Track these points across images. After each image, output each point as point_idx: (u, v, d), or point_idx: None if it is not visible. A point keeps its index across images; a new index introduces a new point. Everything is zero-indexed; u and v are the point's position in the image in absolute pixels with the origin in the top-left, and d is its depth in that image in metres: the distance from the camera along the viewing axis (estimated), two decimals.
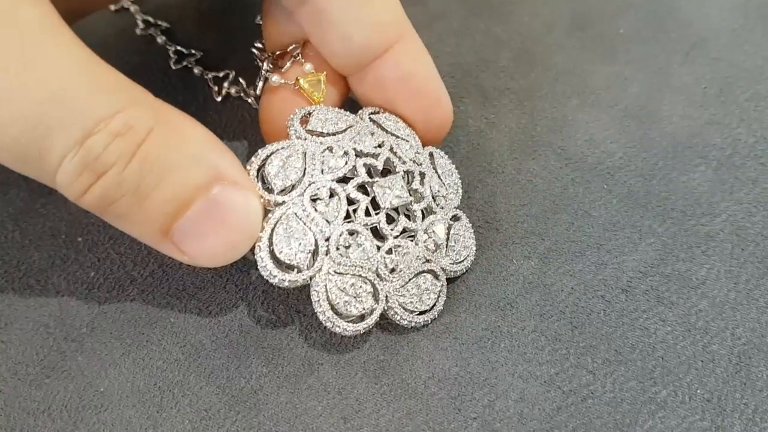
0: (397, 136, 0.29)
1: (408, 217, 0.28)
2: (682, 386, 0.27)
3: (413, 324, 0.28)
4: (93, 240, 0.31)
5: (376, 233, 0.28)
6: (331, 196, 0.27)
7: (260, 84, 0.31)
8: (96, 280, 0.30)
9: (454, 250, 0.29)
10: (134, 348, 0.28)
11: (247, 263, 0.30)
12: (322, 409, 0.27)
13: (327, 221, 0.26)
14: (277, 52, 0.31)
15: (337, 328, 0.27)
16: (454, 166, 0.31)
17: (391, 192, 0.28)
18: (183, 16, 0.37)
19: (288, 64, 0.30)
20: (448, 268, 0.29)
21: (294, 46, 0.30)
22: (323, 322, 0.27)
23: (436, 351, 0.28)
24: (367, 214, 0.27)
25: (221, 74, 0.35)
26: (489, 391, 0.27)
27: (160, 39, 0.36)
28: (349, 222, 0.27)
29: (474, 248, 0.30)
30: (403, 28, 0.29)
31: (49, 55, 0.23)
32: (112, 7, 0.37)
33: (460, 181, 0.30)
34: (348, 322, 0.27)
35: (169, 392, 0.28)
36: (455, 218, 0.30)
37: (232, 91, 0.34)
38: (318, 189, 0.27)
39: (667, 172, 0.32)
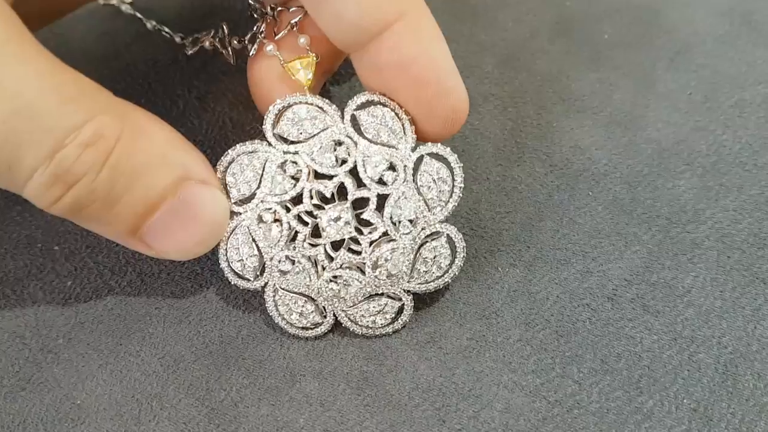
0: (376, 143, 0.27)
1: (352, 248, 0.28)
2: (669, 396, 0.27)
3: (373, 334, 0.28)
4: (70, 248, 0.30)
5: (315, 262, 0.28)
6: (275, 219, 0.27)
7: (254, 46, 0.29)
8: (73, 289, 0.29)
9: (420, 272, 0.28)
10: (112, 359, 0.28)
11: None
12: (304, 422, 0.27)
13: (269, 244, 0.27)
14: (278, 9, 0.29)
15: (290, 331, 0.28)
16: (453, 168, 0.28)
17: (334, 224, 0.27)
18: (168, 15, 0.37)
19: (284, 31, 0.28)
20: (415, 289, 0.28)
21: (294, 9, 0.28)
22: (278, 324, 0.28)
23: (420, 361, 0.28)
24: (317, 238, 0.27)
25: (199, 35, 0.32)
26: (474, 402, 0.27)
27: (150, 25, 0.34)
28: (290, 248, 0.27)
29: (457, 263, 0.28)
30: (407, 3, 0.26)
31: (12, 67, 0.22)
32: (101, 1, 0.36)
33: (456, 185, 0.28)
34: (299, 328, 0.28)
35: (148, 405, 0.27)
36: (432, 236, 0.28)
37: (206, 44, 0.31)
38: (263, 211, 0.27)
39: (652, 179, 0.32)
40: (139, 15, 0.35)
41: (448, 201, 0.28)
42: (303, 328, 0.28)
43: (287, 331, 0.28)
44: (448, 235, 0.28)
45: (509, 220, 0.31)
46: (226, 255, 0.27)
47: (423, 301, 0.29)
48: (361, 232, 0.27)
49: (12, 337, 0.28)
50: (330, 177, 0.27)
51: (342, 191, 0.27)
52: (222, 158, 0.27)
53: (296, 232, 0.27)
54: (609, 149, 0.33)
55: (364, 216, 0.27)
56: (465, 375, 0.27)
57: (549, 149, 0.33)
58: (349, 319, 0.28)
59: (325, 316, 0.28)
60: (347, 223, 0.27)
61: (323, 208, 0.27)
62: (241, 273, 0.27)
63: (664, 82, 0.35)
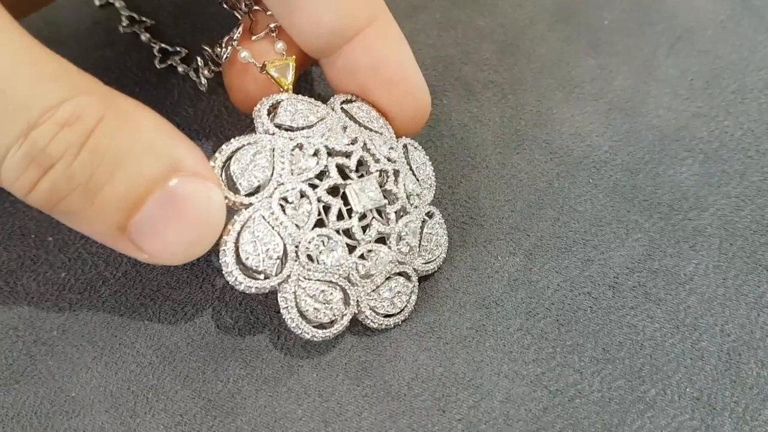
0: (371, 129, 0.28)
1: (381, 219, 0.27)
2: (671, 385, 0.27)
3: (383, 326, 0.28)
4: (64, 239, 0.30)
5: (348, 236, 0.27)
6: (302, 197, 0.26)
7: (227, 50, 0.29)
8: (67, 281, 0.29)
9: (426, 250, 0.28)
10: (107, 351, 0.28)
11: (211, 266, 0.29)
12: (302, 413, 0.26)
13: (297, 226, 0.25)
14: (254, 8, 0.29)
15: (306, 335, 0.26)
16: (428, 158, 0.29)
17: (364, 195, 0.27)
18: (162, 11, 0.36)
19: (262, 34, 0.29)
20: (420, 268, 0.28)
21: (270, 13, 0.29)
22: (291, 329, 0.26)
23: (419, 351, 0.27)
24: (339, 217, 0.26)
25: (193, 64, 0.33)
26: (474, 392, 0.27)
27: (144, 36, 0.35)
28: (319, 227, 0.26)
29: (446, 245, 0.29)
30: (376, 10, 0.28)
31: None
32: (97, 2, 0.36)
33: (434, 174, 0.29)
34: (317, 327, 0.26)
35: (143, 397, 0.27)
36: (428, 215, 0.29)
37: (206, 72, 0.32)
38: (287, 191, 0.26)
39: (653, 165, 0.31)
40: (137, 28, 0.35)
41: (431, 185, 0.29)
42: (322, 325, 0.26)
43: (304, 336, 0.26)
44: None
45: (509, 208, 0.31)
46: (236, 254, 0.25)
47: (422, 290, 0.29)
48: (389, 204, 0.27)
49: (5, 330, 0.28)
50: (347, 155, 0.27)
51: (366, 166, 0.27)
52: (216, 154, 0.26)
53: (328, 207, 0.26)
54: (609, 136, 0.32)
55: (387, 187, 0.27)
56: (465, 365, 0.27)
57: (549, 136, 0.32)
58: (369, 306, 0.27)
59: (348, 306, 0.26)
60: (377, 190, 0.27)
61: (353, 180, 0.27)
62: (257, 268, 0.25)
63: (665, 68, 0.34)
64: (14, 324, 0.28)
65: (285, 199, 0.26)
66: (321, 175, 0.26)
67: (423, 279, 0.29)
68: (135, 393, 0.27)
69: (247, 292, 0.25)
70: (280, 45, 0.28)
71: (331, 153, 0.27)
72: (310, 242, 0.26)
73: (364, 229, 0.27)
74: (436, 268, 0.29)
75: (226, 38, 0.29)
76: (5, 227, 0.30)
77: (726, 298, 0.28)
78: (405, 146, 0.29)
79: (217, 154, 0.26)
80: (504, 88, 0.34)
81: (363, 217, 0.27)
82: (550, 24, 0.36)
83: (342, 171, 0.27)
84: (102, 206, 0.23)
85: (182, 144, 0.24)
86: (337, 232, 0.26)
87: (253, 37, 0.29)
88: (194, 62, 0.33)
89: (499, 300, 0.29)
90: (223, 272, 0.25)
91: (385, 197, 0.27)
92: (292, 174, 0.26)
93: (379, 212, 0.27)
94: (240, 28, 0.29)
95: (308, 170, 0.26)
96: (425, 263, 0.28)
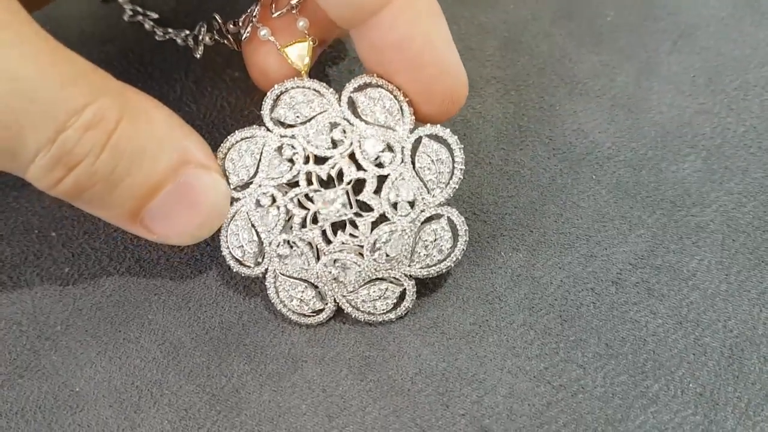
0: (372, 124, 0.27)
1: (351, 230, 0.27)
2: (675, 380, 0.27)
3: (375, 321, 0.28)
4: (67, 235, 0.30)
5: (311, 245, 0.27)
6: (273, 202, 0.27)
7: (248, 27, 0.28)
8: (70, 276, 0.29)
9: (422, 255, 0.27)
10: (110, 346, 0.28)
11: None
12: (306, 408, 0.26)
13: (267, 229, 0.27)
14: None
15: (292, 318, 0.28)
16: (453, 150, 0.27)
17: (330, 207, 0.27)
18: (165, 6, 0.36)
19: (283, 10, 0.28)
20: (416, 273, 0.28)
21: None
22: (280, 311, 0.28)
23: (423, 346, 0.28)
24: (304, 225, 0.27)
25: (196, 30, 0.32)
26: (477, 387, 0.27)
27: (148, 24, 0.34)
28: (288, 231, 0.27)
29: (459, 246, 0.27)
30: None
31: (11, 49, 0.22)
32: None
33: (456, 167, 0.27)
34: (300, 315, 0.28)
35: (148, 392, 0.27)
36: (432, 219, 0.27)
37: (207, 39, 0.31)
38: (261, 194, 0.27)
39: (656, 162, 0.32)
40: (141, 19, 0.34)
41: (448, 183, 0.27)
42: (304, 314, 0.28)
43: (289, 318, 0.28)
44: (448, 217, 0.28)
45: (512, 204, 0.31)
46: (227, 242, 0.27)
47: (425, 286, 0.29)
48: (359, 215, 0.27)
49: (9, 324, 0.28)
50: (323, 161, 0.27)
51: (342, 174, 0.27)
52: (222, 145, 0.27)
53: (292, 216, 0.27)
54: (612, 132, 0.32)
55: (361, 198, 0.27)
56: (468, 360, 0.27)
57: (552, 133, 0.32)
58: (350, 304, 0.28)
59: (325, 302, 0.28)
60: (344, 205, 0.27)
61: (321, 191, 0.27)
62: (241, 259, 0.27)
63: (668, 64, 0.34)
64: (18, 319, 0.28)
65: (258, 202, 0.27)
66: (293, 182, 0.27)
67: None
68: (139, 388, 0.27)
69: (241, 274, 0.28)
70: (302, 23, 0.28)
71: (308, 158, 0.27)
72: (278, 245, 0.27)
73: (328, 240, 0.27)
74: (443, 271, 0.28)
75: (244, 16, 0.29)
76: (8, 222, 0.30)
77: (729, 294, 0.28)
78: (419, 140, 0.27)
79: (222, 144, 0.27)
80: (506, 84, 0.34)
81: (332, 227, 0.27)
82: (552, 20, 0.36)
83: (313, 180, 0.27)
84: (120, 196, 0.24)
85: (190, 136, 0.26)
86: (302, 240, 0.27)
87: (274, 14, 0.28)
88: (196, 28, 0.31)
89: (502, 296, 0.29)
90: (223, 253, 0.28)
91: (358, 207, 0.27)
92: (267, 177, 0.27)
93: (350, 222, 0.27)
94: (258, 5, 0.29)
95: (280, 177, 0.27)
96: (422, 269, 0.27)
